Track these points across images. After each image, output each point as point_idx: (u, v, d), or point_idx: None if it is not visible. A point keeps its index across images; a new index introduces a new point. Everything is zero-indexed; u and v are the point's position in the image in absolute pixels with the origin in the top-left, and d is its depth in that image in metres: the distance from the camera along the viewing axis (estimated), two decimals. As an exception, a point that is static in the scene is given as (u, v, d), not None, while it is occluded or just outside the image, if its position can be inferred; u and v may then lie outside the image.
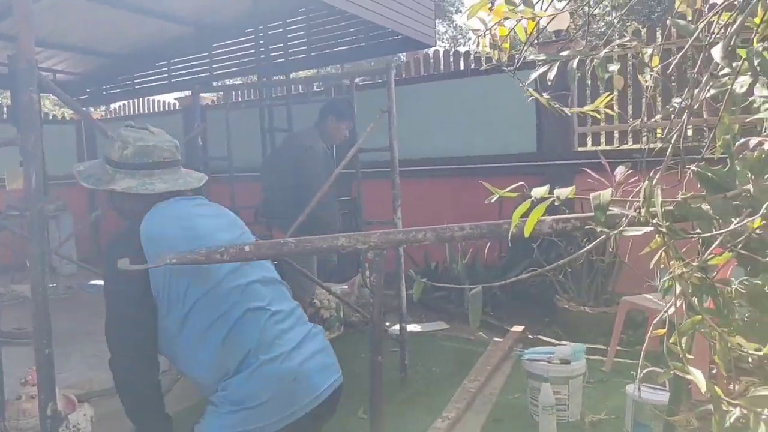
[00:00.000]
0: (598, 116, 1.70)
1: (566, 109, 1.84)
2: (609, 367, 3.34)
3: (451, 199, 5.27)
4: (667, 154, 0.92)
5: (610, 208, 0.95)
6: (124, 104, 8.76)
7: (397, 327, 3.51)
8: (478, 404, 3.01)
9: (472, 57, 5.53)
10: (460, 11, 22.03)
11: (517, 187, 1.07)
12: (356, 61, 8.94)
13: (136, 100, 8.34)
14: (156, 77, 7.43)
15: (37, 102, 1.54)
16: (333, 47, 6.02)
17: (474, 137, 5.29)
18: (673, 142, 0.94)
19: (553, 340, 3.85)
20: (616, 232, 0.93)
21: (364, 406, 2.59)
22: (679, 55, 1.04)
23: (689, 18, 1.28)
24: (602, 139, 4.97)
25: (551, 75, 1.34)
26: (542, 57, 1.47)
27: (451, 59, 5.75)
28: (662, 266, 0.89)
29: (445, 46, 17.61)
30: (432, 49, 5.85)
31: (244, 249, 1.25)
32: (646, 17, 11.15)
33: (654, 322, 0.96)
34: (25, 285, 5.37)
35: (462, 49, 5.85)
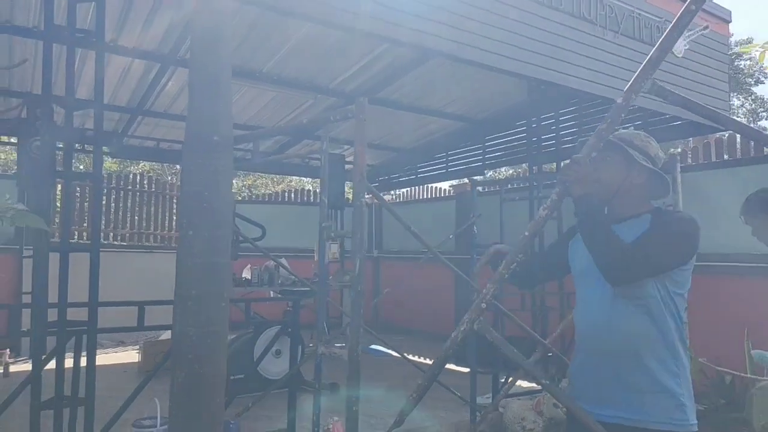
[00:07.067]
0: None
1: None
2: None
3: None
4: None
5: None
6: (407, 190, 9.96)
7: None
8: None
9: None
10: (762, 82, 18.99)
11: None
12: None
13: (417, 187, 9.41)
14: (435, 167, 8.34)
15: (365, 206, 1.95)
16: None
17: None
18: None
19: None
20: None
21: None
22: None
23: None
24: None
25: None
26: None
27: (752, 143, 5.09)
28: None
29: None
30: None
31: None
32: None
33: None
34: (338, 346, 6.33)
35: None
